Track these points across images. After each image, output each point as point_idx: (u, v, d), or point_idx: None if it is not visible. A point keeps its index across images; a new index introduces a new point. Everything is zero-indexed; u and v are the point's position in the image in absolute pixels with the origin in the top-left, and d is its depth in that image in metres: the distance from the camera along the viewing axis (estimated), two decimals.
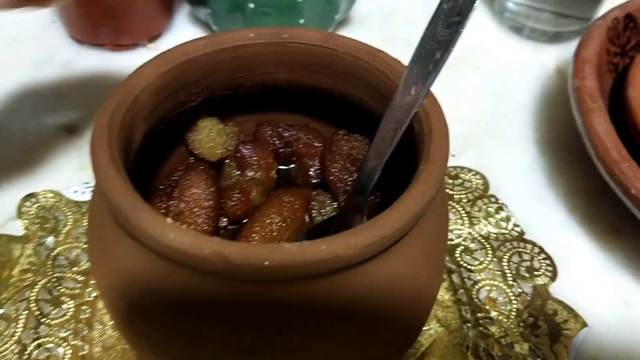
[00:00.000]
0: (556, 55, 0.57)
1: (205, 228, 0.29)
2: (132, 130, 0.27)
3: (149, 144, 0.30)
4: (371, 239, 0.21)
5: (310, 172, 0.35)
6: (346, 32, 0.57)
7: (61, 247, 0.38)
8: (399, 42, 0.57)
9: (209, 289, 0.22)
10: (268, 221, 0.30)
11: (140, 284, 0.23)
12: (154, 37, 0.55)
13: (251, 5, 0.49)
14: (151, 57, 0.28)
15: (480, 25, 0.60)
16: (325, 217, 0.32)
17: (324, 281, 0.22)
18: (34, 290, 0.35)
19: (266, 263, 0.20)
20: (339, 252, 0.21)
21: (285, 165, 0.36)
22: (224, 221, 0.32)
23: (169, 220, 0.21)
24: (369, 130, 0.33)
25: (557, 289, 0.38)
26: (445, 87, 0.52)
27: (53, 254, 0.37)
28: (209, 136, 0.33)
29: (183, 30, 0.57)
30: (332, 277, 0.22)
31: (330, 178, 0.33)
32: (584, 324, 0.36)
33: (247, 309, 0.22)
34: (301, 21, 0.50)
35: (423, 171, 0.24)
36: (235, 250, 0.20)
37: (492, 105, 0.52)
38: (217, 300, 0.22)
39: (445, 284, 0.38)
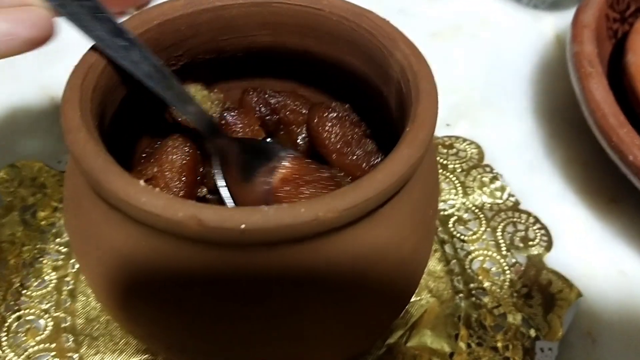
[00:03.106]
0: (555, 24, 0.55)
1: (180, 194, 0.28)
2: (108, 92, 0.25)
3: (130, 110, 0.29)
4: (353, 201, 0.20)
5: (298, 140, 0.34)
6: None
7: (44, 219, 0.37)
8: (393, 12, 0.55)
9: (184, 255, 0.21)
10: None
11: (114, 248, 0.22)
12: (141, 5, 0.53)
13: None
14: (127, 17, 0.27)
15: None
16: None
17: (304, 247, 0.21)
18: (14, 262, 0.35)
19: (242, 226, 0.19)
20: (318, 215, 0.20)
21: (272, 133, 0.35)
22: (203, 191, 0.31)
23: (142, 183, 0.20)
24: (357, 94, 0.32)
25: (552, 259, 0.37)
26: (441, 56, 0.52)
27: (35, 225, 0.37)
28: None
29: None
30: (313, 243, 0.21)
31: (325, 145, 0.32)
32: (579, 294, 0.35)
33: (224, 275, 0.21)
34: None
35: (409, 133, 0.23)
36: (210, 213, 0.19)
37: (489, 75, 0.51)
38: (192, 266, 0.21)
39: (437, 255, 0.37)
